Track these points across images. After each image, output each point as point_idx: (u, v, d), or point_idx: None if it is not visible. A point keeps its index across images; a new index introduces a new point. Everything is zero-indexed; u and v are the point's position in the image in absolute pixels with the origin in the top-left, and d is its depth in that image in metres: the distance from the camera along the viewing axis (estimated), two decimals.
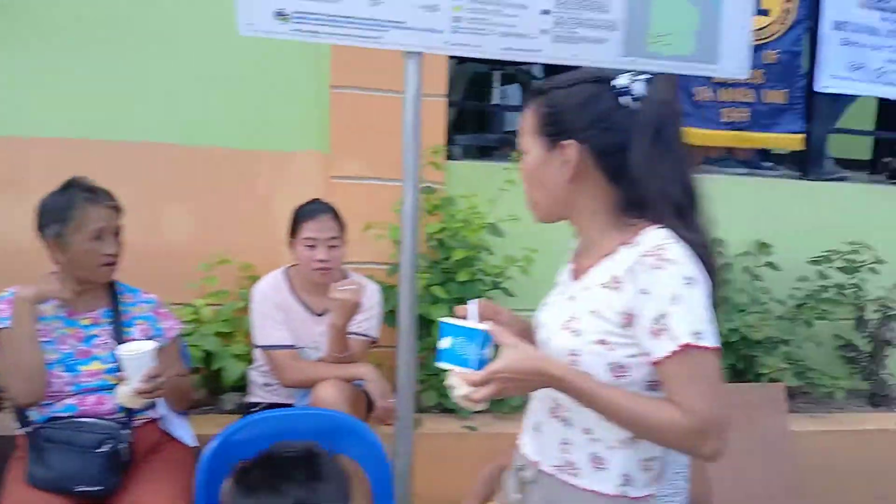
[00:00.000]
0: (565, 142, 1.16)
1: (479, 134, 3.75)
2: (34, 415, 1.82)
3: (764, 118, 3.28)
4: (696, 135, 3.20)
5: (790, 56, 3.27)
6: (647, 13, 2.04)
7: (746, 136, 3.28)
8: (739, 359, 2.90)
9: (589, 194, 1.18)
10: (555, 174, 1.18)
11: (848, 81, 3.32)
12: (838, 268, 3.09)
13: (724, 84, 3.22)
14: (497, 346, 1.13)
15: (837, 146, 3.72)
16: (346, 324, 2.15)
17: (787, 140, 3.31)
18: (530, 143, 1.22)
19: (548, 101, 1.20)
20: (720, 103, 3.25)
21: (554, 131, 1.18)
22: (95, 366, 1.87)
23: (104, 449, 1.78)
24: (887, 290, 3.13)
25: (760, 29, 3.21)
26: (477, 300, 1.25)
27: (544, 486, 1.22)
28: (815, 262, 3.12)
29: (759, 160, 3.56)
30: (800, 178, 3.44)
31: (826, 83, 3.30)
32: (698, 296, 1.06)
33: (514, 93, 4.00)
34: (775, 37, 3.26)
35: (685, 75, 2.44)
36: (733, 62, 2.12)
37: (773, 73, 3.27)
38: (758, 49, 3.24)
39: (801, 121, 3.30)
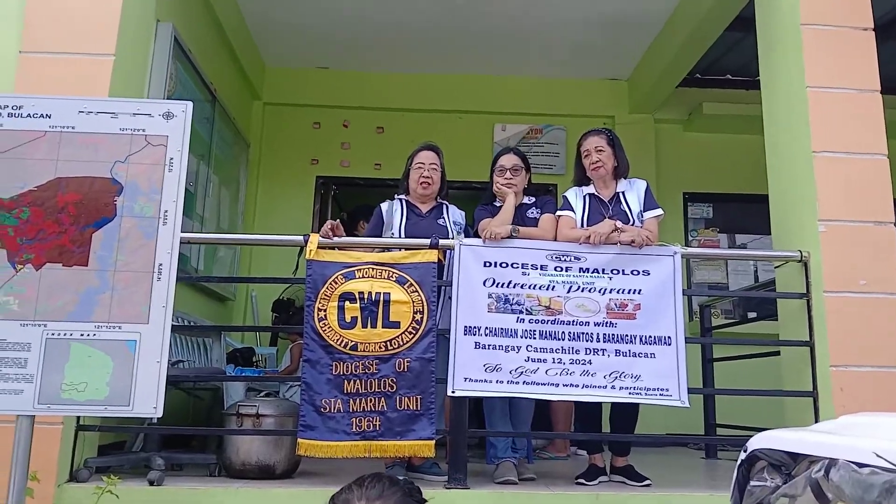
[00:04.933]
0: None
1: None
2: None
3: (397, 425, 3.33)
4: (323, 447, 3.27)
5: (422, 363, 3.42)
6: (62, 366, 2.31)
7: (378, 446, 3.31)
8: None
9: None
10: None
11: (483, 383, 3.40)
12: None
13: (356, 393, 3.36)
14: None
15: None
16: None
17: (419, 447, 3.31)
18: None
19: None
20: (350, 413, 3.34)
21: None
22: None
23: None
24: None
25: (391, 339, 3.44)
26: None
27: None
28: None
29: None
30: None
31: (460, 386, 3.39)
32: None
33: None
34: (407, 346, 3.45)
35: None
36: (147, 404, 2.32)
37: (405, 380, 3.39)
38: (389, 358, 3.43)
39: (433, 426, 3.33)
